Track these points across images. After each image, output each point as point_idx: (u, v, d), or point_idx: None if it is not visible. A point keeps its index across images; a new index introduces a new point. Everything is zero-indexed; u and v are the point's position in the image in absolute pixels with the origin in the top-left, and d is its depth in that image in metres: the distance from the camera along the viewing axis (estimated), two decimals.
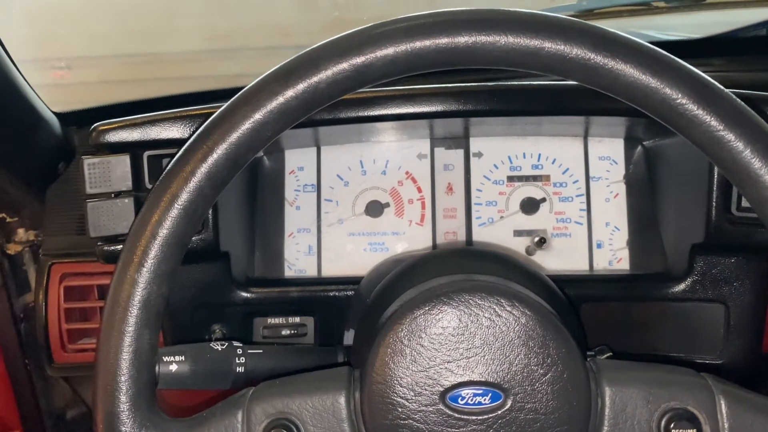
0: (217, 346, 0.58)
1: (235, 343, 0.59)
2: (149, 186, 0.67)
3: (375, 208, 0.83)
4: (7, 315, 0.89)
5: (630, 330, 0.72)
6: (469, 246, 0.80)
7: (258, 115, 0.46)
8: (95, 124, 0.68)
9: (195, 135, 0.48)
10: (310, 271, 0.84)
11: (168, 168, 0.47)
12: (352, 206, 0.84)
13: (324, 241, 0.84)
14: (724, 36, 0.95)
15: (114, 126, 0.67)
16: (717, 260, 0.70)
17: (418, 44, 0.46)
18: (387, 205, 0.84)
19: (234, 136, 0.47)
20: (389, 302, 0.54)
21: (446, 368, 0.45)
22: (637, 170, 0.82)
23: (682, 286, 0.71)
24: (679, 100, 0.45)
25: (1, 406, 0.94)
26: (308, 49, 0.48)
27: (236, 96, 0.48)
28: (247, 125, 0.47)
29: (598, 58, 0.45)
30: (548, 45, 0.45)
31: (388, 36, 0.46)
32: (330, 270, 0.84)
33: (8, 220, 0.89)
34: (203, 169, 0.47)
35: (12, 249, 0.90)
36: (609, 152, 0.83)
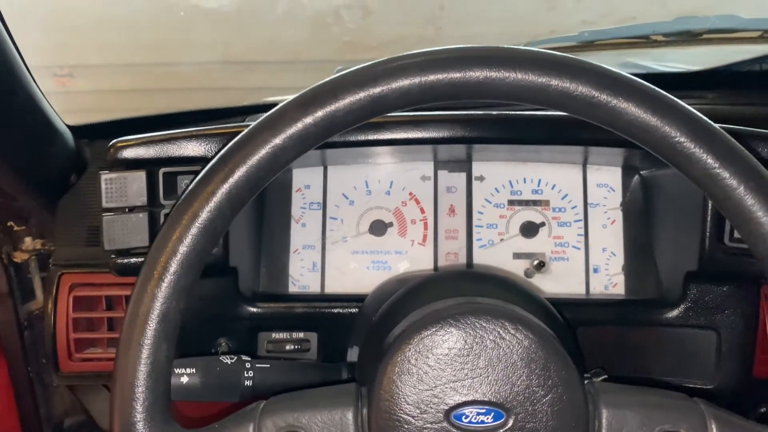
0: (227, 360, 0.60)
1: (244, 357, 0.61)
2: (164, 202, 0.69)
3: (379, 228, 0.86)
4: (13, 322, 0.91)
5: (624, 354, 0.74)
6: (471, 269, 0.82)
7: (278, 141, 0.49)
8: (113, 141, 0.70)
9: (217, 157, 0.50)
10: (314, 288, 0.86)
11: (190, 187, 0.49)
12: (357, 225, 0.86)
13: (328, 258, 0.86)
14: (719, 70, 0.99)
15: (131, 143, 0.69)
16: (709, 288, 0.72)
17: (432, 77, 0.48)
18: (390, 224, 0.86)
19: (254, 159, 0.49)
20: (395, 322, 0.56)
21: (451, 387, 0.47)
22: (633, 198, 0.85)
23: (675, 312, 0.74)
24: (677, 139, 0.47)
25: (2, 412, 0.95)
26: (327, 79, 0.50)
27: (258, 121, 0.50)
28: (267, 149, 0.49)
29: (602, 97, 0.48)
30: (555, 82, 0.48)
31: (403, 69, 0.49)
32: (333, 287, 0.86)
33: (16, 228, 0.90)
34: (224, 189, 0.49)
35: (18, 257, 0.91)
36: (607, 180, 0.86)
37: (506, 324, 0.48)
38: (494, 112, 0.76)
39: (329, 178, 0.87)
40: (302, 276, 0.86)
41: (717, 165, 0.46)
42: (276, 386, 0.61)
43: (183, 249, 0.48)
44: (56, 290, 0.81)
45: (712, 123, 0.48)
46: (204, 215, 0.48)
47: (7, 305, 0.91)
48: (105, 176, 0.67)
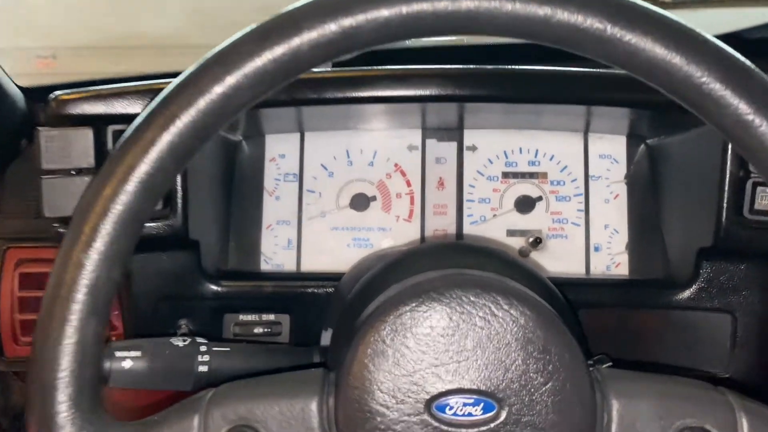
0: (179, 342, 0.52)
1: (199, 340, 0.54)
2: None
3: (360, 202, 0.78)
4: None
5: (629, 339, 0.67)
6: (460, 240, 0.75)
7: (230, 78, 0.41)
8: (54, 93, 0.62)
9: (157, 99, 0.42)
10: (289, 266, 0.78)
11: (124, 136, 0.42)
12: (336, 199, 0.79)
13: (305, 234, 0.78)
14: (727, 35, 0.91)
15: (76, 96, 0.61)
16: (725, 266, 0.65)
17: (415, 6, 0.40)
18: (373, 198, 0.78)
19: (201, 102, 0.41)
20: (371, 299, 0.49)
21: (433, 373, 0.40)
22: (639, 170, 0.77)
23: (686, 294, 0.66)
24: (704, 79, 0.40)
25: None
26: (289, 7, 0.42)
27: (205, 56, 0.42)
28: (217, 89, 0.41)
29: (615, 30, 0.40)
30: (560, 13, 0.40)
31: None
32: (310, 266, 0.78)
33: None
34: (165, 138, 0.41)
35: None
36: (610, 150, 0.78)
37: (499, 299, 0.40)
38: (489, 66, 0.68)
39: (306, 147, 0.79)
40: (275, 254, 0.78)
41: (752, 110, 0.39)
42: (236, 373, 0.53)
43: (116, 208, 0.40)
44: (1, 266, 0.73)
45: (747, 61, 0.40)
46: (141, 168, 0.41)
47: None
48: (45, 133, 0.59)
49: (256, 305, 0.69)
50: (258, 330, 0.68)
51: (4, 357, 0.74)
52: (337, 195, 0.79)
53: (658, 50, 0.40)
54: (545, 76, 0.67)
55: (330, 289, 0.68)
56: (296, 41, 0.41)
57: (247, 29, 0.42)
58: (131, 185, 0.41)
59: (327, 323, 0.62)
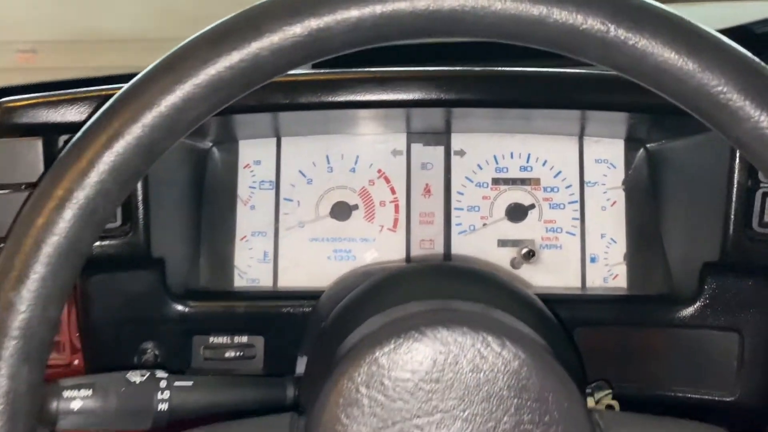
0: (135, 377, 0.47)
1: (159, 374, 0.48)
2: None
3: (342, 211, 0.73)
4: None
5: (629, 359, 0.63)
6: (447, 261, 0.70)
7: (181, 89, 0.36)
8: (0, 100, 0.56)
9: (98, 113, 0.37)
10: (265, 281, 0.73)
11: (61, 156, 0.36)
12: (316, 207, 0.73)
13: (282, 246, 0.73)
14: (731, 29, 0.86)
15: (24, 104, 0.55)
16: (732, 282, 0.60)
17: (391, 5, 0.35)
18: (356, 207, 0.73)
19: (148, 116, 0.36)
20: (348, 329, 0.44)
21: (415, 426, 0.35)
22: (638, 175, 0.73)
23: (689, 311, 0.62)
24: (720, 88, 0.35)
25: None
26: (249, 7, 0.37)
27: (153, 65, 0.37)
28: (166, 102, 0.36)
29: (619, 31, 0.35)
30: (557, 12, 0.35)
31: None
32: (288, 280, 0.73)
33: None
34: (106, 158, 0.36)
35: None
36: (607, 154, 0.74)
37: (489, 338, 0.35)
38: (478, 68, 0.63)
39: (283, 152, 0.74)
40: (250, 267, 0.73)
41: None
42: (199, 409, 0.48)
43: (52, 239, 0.35)
44: None
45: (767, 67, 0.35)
46: (79, 193, 0.35)
47: None
48: None
49: (228, 326, 0.64)
50: (230, 353, 0.63)
51: None
52: (316, 203, 0.74)
53: (667, 55, 0.35)
54: (539, 79, 0.62)
55: (308, 309, 0.63)
56: (255, 46, 0.36)
57: (201, 32, 0.37)
58: (68, 212, 0.35)
59: (303, 348, 0.57)
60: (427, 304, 0.40)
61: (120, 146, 0.36)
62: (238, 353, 0.63)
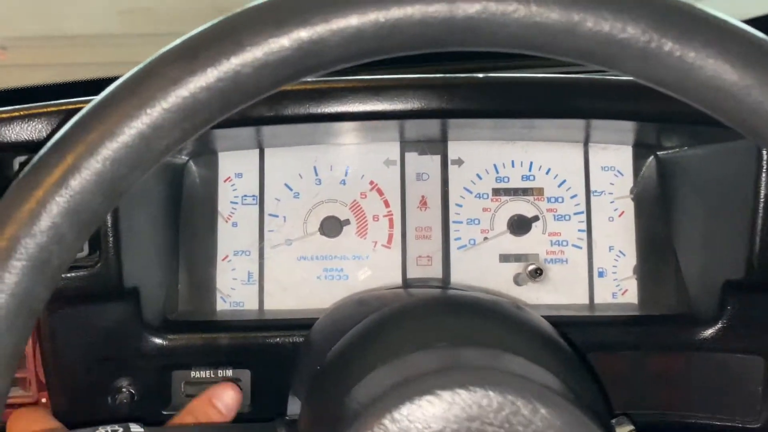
0: None
1: (134, 428, 0.43)
2: None
3: (332, 226, 0.68)
4: None
5: (646, 384, 0.58)
6: (449, 289, 0.64)
7: (147, 115, 0.30)
8: None
9: (50, 142, 0.31)
10: (250, 304, 0.67)
11: (4, 197, 0.30)
12: (304, 223, 0.68)
13: (267, 266, 0.68)
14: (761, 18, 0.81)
15: None
16: (756, 301, 0.56)
17: (397, 12, 0.30)
18: (347, 222, 0.68)
19: (110, 147, 0.30)
20: (352, 378, 0.38)
21: None
22: (647, 184, 0.68)
23: (710, 332, 0.58)
24: None
25: None
26: (227, 15, 0.31)
27: (114, 85, 0.31)
28: (130, 130, 0.30)
29: (663, 41, 0.30)
30: (590, 19, 0.30)
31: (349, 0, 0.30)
32: (275, 303, 0.68)
33: None
34: (60, 199, 0.30)
35: None
36: (614, 162, 0.69)
37: (518, 403, 0.30)
38: (478, 75, 0.58)
39: (267, 165, 0.69)
40: (234, 290, 0.67)
41: None
42: None
43: None
44: None
45: None
46: (27, 242, 0.30)
47: None
48: None
49: (211, 359, 0.58)
50: None
51: None
52: (304, 219, 0.68)
53: (720, 68, 0.30)
54: (541, 86, 0.57)
55: (298, 338, 0.58)
56: (235, 63, 0.30)
57: (171, 45, 0.32)
58: (14, 267, 0.30)
59: (295, 387, 0.52)
60: (437, 356, 0.35)
61: (76, 185, 0.30)
62: None
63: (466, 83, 0.57)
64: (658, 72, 0.31)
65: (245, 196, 0.68)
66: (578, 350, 0.51)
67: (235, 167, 0.68)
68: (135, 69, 0.32)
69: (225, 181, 0.68)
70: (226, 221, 0.68)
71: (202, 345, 0.58)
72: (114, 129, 0.30)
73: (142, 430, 0.43)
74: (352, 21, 0.30)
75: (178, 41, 0.32)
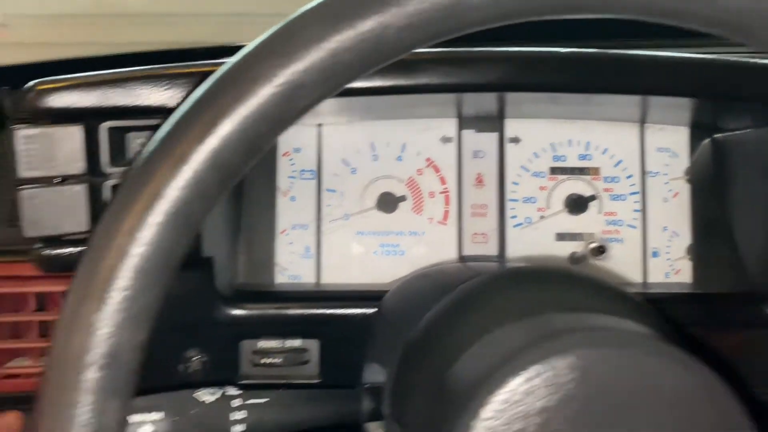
0: (206, 397, 0.42)
1: (230, 391, 0.43)
2: (109, 170, 0.49)
3: (388, 202, 0.68)
4: None
5: (709, 361, 0.59)
6: (539, 266, 0.65)
7: (294, 72, 0.30)
8: (33, 83, 0.50)
9: (190, 101, 0.31)
10: (307, 278, 0.68)
11: (149, 150, 0.31)
12: (361, 198, 0.68)
13: (325, 240, 0.68)
14: None
15: (61, 85, 0.49)
16: None
17: None
18: (403, 198, 0.69)
19: (253, 104, 0.30)
20: (452, 350, 0.39)
21: None
22: (702, 165, 0.69)
23: None
24: None
25: None
26: None
27: (255, 43, 0.31)
28: (272, 88, 0.30)
29: None
30: None
31: None
32: (331, 277, 0.68)
33: None
34: (206, 151, 0.30)
35: None
36: (669, 143, 0.70)
37: (651, 359, 0.31)
38: (535, 49, 0.58)
39: (325, 140, 0.69)
40: (292, 263, 0.68)
41: None
42: (276, 426, 0.44)
43: (139, 250, 0.30)
44: None
45: None
46: (173, 195, 0.30)
47: None
48: (23, 133, 0.47)
49: (278, 329, 0.58)
50: (281, 359, 0.58)
51: None
52: (361, 194, 0.68)
53: None
54: (601, 61, 0.57)
55: (366, 310, 0.58)
56: (383, 19, 0.30)
57: (309, 6, 0.32)
58: (160, 217, 0.30)
59: (371, 356, 0.52)
60: (558, 318, 0.35)
61: (220, 140, 0.30)
62: (290, 358, 0.58)
63: (523, 57, 0.57)
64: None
65: (303, 170, 0.68)
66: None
67: (294, 142, 0.68)
68: (273, 29, 0.32)
69: (284, 155, 0.68)
70: (284, 195, 0.68)
71: (271, 315, 0.58)
72: (257, 86, 0.30)
73: (239, 393, 0.43)
74: None
75: (315, 2, 0.32)
